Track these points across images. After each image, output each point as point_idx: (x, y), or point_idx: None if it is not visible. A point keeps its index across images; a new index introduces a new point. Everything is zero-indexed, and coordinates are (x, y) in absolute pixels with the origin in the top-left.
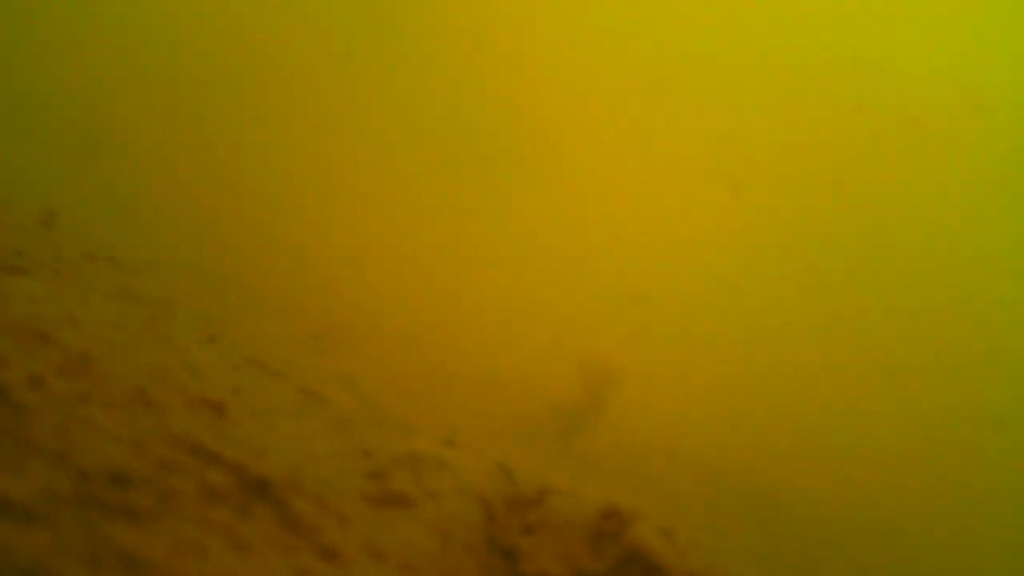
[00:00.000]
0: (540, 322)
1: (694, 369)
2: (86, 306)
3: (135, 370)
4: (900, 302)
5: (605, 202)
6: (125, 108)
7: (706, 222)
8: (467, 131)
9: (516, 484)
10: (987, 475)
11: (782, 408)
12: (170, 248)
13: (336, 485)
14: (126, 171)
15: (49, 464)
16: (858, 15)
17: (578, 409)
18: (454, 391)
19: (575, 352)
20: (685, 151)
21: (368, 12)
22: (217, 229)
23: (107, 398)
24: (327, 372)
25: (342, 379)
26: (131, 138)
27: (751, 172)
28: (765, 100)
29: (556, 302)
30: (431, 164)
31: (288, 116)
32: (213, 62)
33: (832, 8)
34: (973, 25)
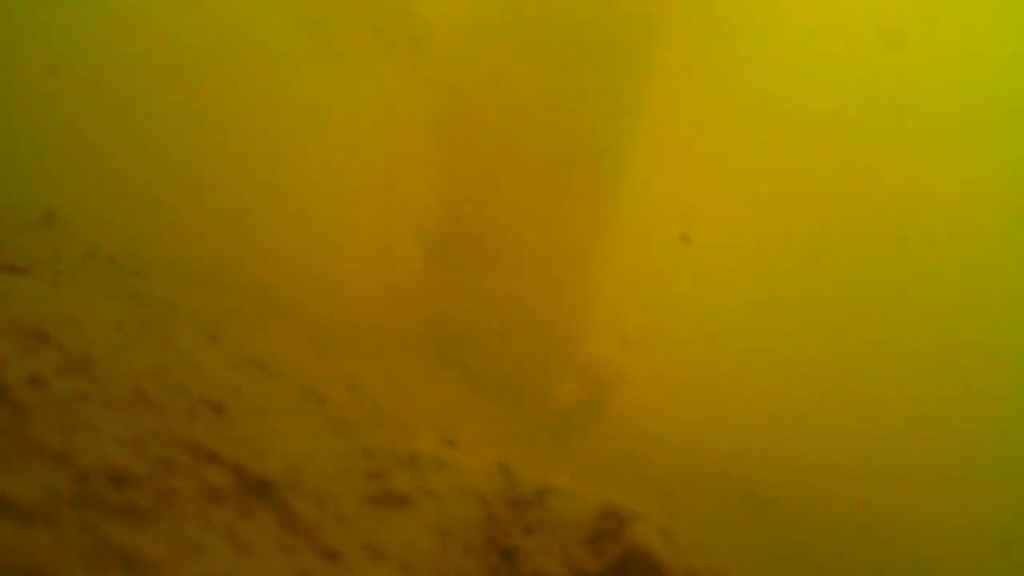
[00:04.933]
0: (540, 322)
1: (694, 370)
2: (86, 306)
3: (135, 370)
4: (902, 304)
5: (607, 202)
6: (126, 108)
7: (706, 222)
8: (469, 135)
9: (516, 484)
10: (988, 477)
11: (782, 408)
12: (170, 248)
13: (336, 485)
14: (126, 171)
15: (49, 464)
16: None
17: (578, 409)
18: (454, 391)
19: (575, 353)
20: (687, 152)
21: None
22: (217, 229)
23: (107, 398)
24: (327, 372)
25: (342, 379)
26: (131, 138)
27: (753, 172)
28: (771, 103)
29: (556, 301)
30: (430, 160)
31: (288, 115)
32: (213, 62)
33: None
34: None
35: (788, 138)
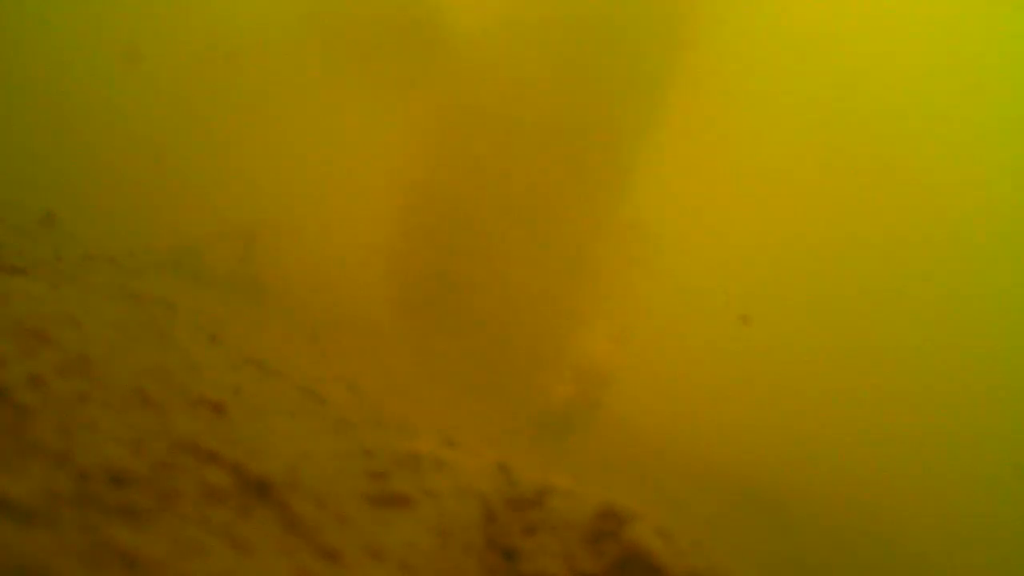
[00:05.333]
0: (540, 321)
1: (694, 369)
2: (86, 306)
3: (135, 370)
4: (902, 301)
5: (614, 202)
6: (126, 108)
7: (708, 222)
8: (467, 133)
9: (516, 484)
10: (988, 477)
11: (783, 408)
12: (170, 248)
13: (336, 485)
14: (126, 172)
15: (49, 464)
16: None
17: (577, 409)
18: (454, 391)
19: (575, 352)
20: (687, 152)
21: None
22: (217, 229)
23: (107, 398)
24: (327, 372)
25: (342, 379)
26: (131, 139)
27: (753, 172)
28: (774, 106)
29: (555, 301)
30: (429, 161)
31: (288, 114)
32: (213, 61)
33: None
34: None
35: (796, 141)
